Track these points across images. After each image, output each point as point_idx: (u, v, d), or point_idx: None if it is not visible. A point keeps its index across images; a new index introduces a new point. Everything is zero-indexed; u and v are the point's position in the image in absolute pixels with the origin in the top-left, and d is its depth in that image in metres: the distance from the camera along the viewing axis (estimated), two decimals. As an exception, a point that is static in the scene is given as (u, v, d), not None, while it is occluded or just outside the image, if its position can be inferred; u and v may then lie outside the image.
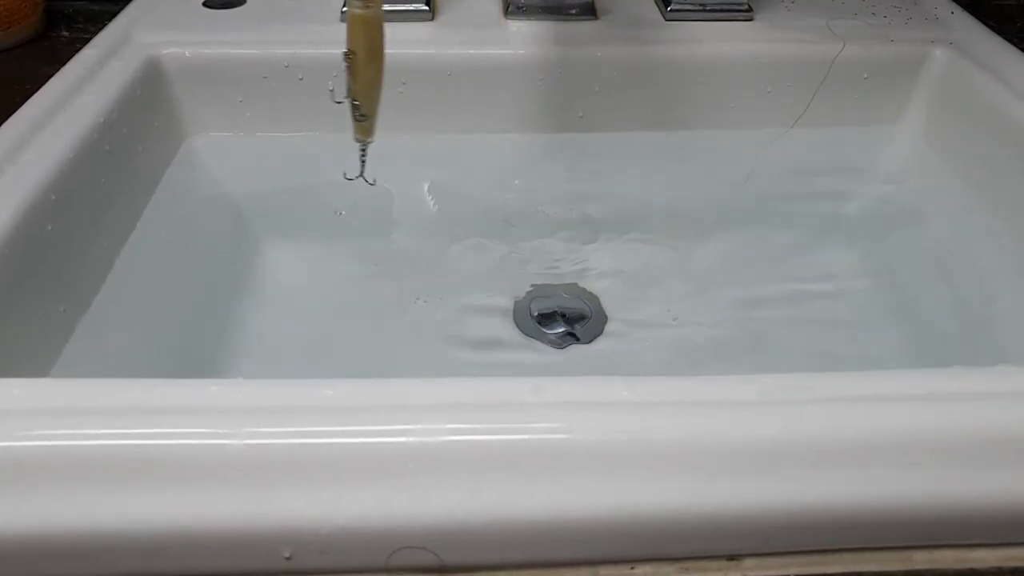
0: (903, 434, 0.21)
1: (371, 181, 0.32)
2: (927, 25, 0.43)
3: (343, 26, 0.40)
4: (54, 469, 0.19)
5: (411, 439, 0.20)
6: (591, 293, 0.42)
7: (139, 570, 0.20)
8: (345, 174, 0.32)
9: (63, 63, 0.36)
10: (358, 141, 0.31)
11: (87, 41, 0.38)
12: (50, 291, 0.29)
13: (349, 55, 0.28)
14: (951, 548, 0.22)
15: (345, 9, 0.41)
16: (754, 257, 0.43)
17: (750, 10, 0.43)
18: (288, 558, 0.20)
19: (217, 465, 0.20)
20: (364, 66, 0.28)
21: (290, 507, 0.19)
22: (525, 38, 0.40)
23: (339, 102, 0.30)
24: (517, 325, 0.40)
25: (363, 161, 0.31)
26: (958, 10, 0.44)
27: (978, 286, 0.36)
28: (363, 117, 0.30)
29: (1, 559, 0.19)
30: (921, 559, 0.22)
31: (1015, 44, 0.41)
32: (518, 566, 0.21)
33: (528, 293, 0.42)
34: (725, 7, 0.42)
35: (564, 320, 0.40)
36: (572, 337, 0.40)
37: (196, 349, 0.35)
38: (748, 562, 0.21)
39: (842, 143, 0.43)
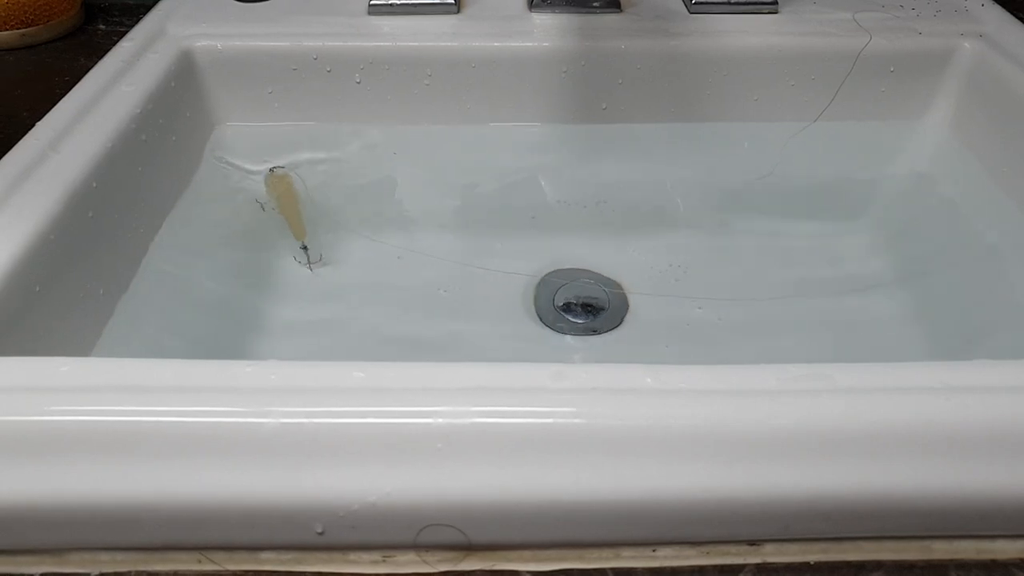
0: (924, 424, 0.21)
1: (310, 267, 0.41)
2: (956, 17, 0.42)
3: (371, 19, 0.41)
4: (98, 443, 0.20)
5: (440, 420, 0.20)
6: (613, 282, 0.42)
7: (176, 542, 0.21)
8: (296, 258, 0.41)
9: (101, 55, 0.37)
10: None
11: (123, 34, 0.39)
12: (91, 274, 0.30)
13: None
14: (971, 539, 0.22)
15: (373, 2, 0.41)
16: (776, 250, 0.43)
17: (775, 2, 0.42)
18: (320, 533, 0.20)
19: (253, 443, 0.20)
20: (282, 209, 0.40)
21: (323, 484, 0.20)
22: (549, 31, 0.41)
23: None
24: (539, 313, 0.40)
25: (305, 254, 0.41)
26: (988, 2, 0.44)
27: (1007, 284, 0.36)
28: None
29: (45, 527, 0.20)
30: (941, 549, 0.22)
31: (1047, 37, 0.40)
32: (542, 546, 0.21)
33: (550, 282, 0.42)
34: (749, 0, 0.42)
35: (586, 308, 0.41)
36: (594, 325, 0.40)
37: (229, 331, 0.36)
38: (768, 547, 0.21)
39: (868, 137, 0.43)
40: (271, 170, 0.39)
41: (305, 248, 0.41)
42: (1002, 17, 0.42)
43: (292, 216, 0.41)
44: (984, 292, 0.37)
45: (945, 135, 0.42)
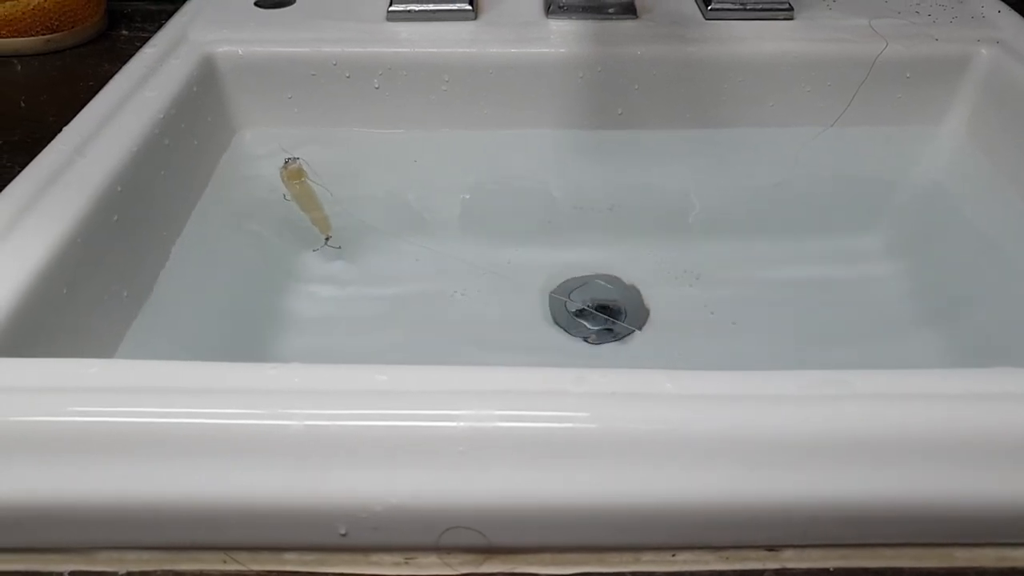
0: (945, 431, 0.21)
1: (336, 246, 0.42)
2: (973, 24, 0.42)
3: (389, 25, 0.42)
4: (125, 444, 0.20)
5: (462, 424, 0.21)
6: (630, 287, 0.42)
7: (201, 542, 0.21)
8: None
9: (124, 61, 0.38)
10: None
11: (145, 40, 0.40)
12: (115, 277, 0.30)
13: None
14: (992, 546, 0.22)
15: (392, 9, 0.42)
16: (792, 256, 0.43)
17: (791, 9, 0.43)
18: (344, 534, 0.21)
19: (277, 444, 0.20)
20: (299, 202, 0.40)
21: (346, 486, 0.20)
22: (566, 37, 0.41)
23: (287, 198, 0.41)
24: (555, 319, 0.40)
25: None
26: (1006, 8, 0.44)
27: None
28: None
29: (73, 526, 0.21)
30: (962, 556, 0.22)
31: (1065, 44, 0.40)
32: (562, 549, 0.21)
33: (566, 287, 0.42)
34: (766, 6, 0.42)
35: (602, 314, 0.41)
36: (610, 331, 0.40)
37: (251, 334, 0.36)
38: (787, 553, 0.21)
39: (884, 143, 0.43)
40: (285, 161, 0.39)
41: (327, 239, 0.41)
42: (1019, 23, 0.42)
43: (311, 207, 0.41)
44: (1003, 300, 0.37)
45: (961, 141, 0.42)
